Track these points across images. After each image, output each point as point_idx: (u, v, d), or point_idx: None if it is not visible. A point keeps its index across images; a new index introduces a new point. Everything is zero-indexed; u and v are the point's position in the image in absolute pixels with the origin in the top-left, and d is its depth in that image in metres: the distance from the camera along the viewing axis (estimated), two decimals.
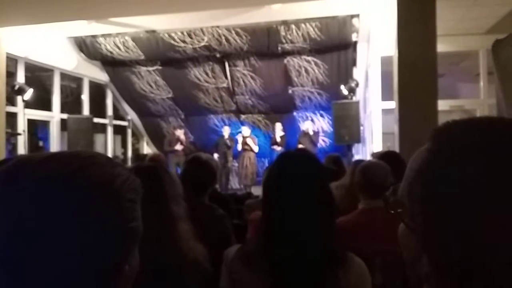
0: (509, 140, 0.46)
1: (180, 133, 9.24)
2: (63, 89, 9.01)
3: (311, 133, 8.45)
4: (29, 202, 0.48)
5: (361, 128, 7.74)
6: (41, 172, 0.50)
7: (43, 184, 0.49)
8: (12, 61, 7.38)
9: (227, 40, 8.03)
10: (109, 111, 10.22)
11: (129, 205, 0.55)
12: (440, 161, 0.47)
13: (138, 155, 10.52)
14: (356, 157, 8.52)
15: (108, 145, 9.95)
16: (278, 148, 8.83)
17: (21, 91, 7.19)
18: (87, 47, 8.69)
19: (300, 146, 8.33)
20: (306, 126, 8.76)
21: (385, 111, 7.03)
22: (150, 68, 9.32)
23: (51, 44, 7.94)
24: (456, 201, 0.45)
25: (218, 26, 7.77)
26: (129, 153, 10.74)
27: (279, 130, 8.94)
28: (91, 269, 0.50)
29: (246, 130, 9.13)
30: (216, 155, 8.59)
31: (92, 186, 0.52)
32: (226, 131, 9.27)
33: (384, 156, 3.12)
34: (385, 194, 0.56)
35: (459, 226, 0.45)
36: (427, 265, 0.49)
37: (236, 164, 9.36)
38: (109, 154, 9.89)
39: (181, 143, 9.03)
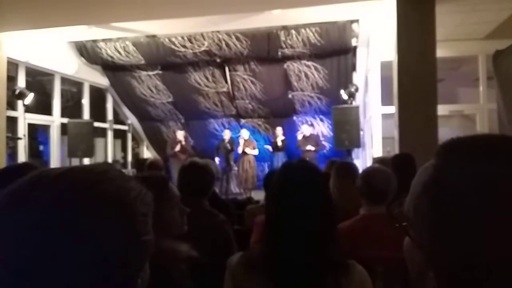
0: None
1: (180, 134, 9.23)
2: (63, 93, 9.01)
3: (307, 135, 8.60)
4: (43, 220, 0.49)
5: (361, 132, 7.74)
6: (55, 190, 0.51)
7: (57, 202, 0.50)
8: (12, 65, 7.38)
9: (227, 45, 8.06)
10: (110, 115, 10.23)
11: (141, 219, 0.55)
12: (446, 178, 0.48)
13: (138, 160, 10.51)
14: (356, 161, 8.53)
15: (108, 149, 9.95)
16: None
17: (21, 96, 7.21)
18: (87, 52, 8.70)
19: (301, 149, 8.44)
20: (302, 130, 8.86)
21: (385, 116, 7.04)
22: (151, 73, 9.33)
23: (51, 49, 7.95)
24: (461, 218, 0.45)
25: (218, 31, 7.79)
26: (129, 157, 10.74)
27: (280, 134, 8.96)
28: (104, 284, 0.50)
29: (245, 133, 9.14)
30: (217, 159, 8.59)
31: (105, 201, 0.52)
32: (226, 135, 9.28)
33: (398, 158, 3.11)
34: (390, 207, 0.56)
35: (464, 243, 0.45)
36: (434, 280, 0.49)
37: (236, 168, 9.37)
38: (109, 158, 9.90)
39: (180, 145, 9.00)
